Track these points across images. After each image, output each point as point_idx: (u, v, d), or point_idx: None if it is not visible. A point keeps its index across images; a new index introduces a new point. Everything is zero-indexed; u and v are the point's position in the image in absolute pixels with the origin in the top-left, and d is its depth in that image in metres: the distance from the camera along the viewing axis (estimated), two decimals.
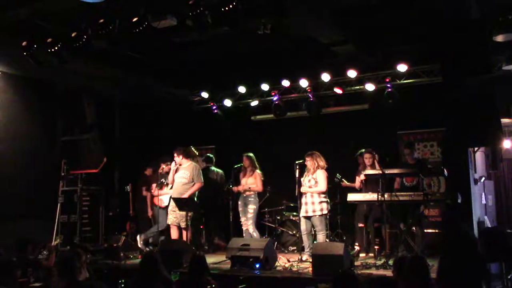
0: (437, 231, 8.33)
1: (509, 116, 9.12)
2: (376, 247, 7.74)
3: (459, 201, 7.17)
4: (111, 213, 9.89)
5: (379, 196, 7.08)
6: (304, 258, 7.38)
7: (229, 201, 8.67)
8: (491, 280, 4.95)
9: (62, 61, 7.26)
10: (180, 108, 10.83)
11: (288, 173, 7.74)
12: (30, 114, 9.08)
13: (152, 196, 9.16)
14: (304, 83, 9.49)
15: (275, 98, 9.90)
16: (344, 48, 8.24)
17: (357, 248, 8.06)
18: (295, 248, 8.59)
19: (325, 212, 7.56)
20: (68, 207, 9.30)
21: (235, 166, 8.62)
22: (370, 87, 9.12)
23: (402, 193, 7.29)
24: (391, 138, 9.36)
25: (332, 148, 8.85)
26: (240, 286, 6.18)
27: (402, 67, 8.70)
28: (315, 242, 7.44)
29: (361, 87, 9.28)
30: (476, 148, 9.26)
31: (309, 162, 7.68)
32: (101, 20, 6.60)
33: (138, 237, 8.96)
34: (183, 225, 7.91)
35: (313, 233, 7.72)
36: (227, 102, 10.33)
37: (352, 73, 9.04)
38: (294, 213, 8.70)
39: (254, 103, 10.19)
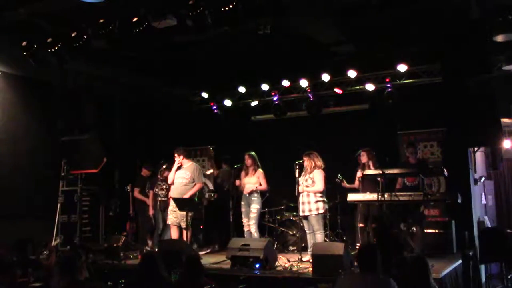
0: (437, 231, 8.33)
1: (509, 116, 9.12)
2: None
3: (459, 201, 7.17)
4: (111, 213, 9.88)
5: (379, 196, 7.08)
6: (306, 258, 7.36)
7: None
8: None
9: (62, 61, 7.26)
10: (180, 108, 10.83)
11: (288, 173, 7.73)
12: (30, 114, 9.07)
13: (156, 195, 9.13)
14: (304, 83, 9.50)
15: (275, 98, 9.90)
16: (344, 48, 8.24)
17: (358, 248, 8.05)
18: (295, 248, 8.59)
19: (321, 211, 7.55)
20: (68, 207, 9.29)
21: (236, 166, 8.61)
22: (370, 87, 9.12)
23: (402, 193, 7.30)
24: (391, 138, 9.36)
25: (332, 148, 8.85)
26: (240, 286, 6.18)
27: (402, 67, 8.71)
28: (312, 241, 7.45)
29: (361, 87, 9.29)
30: (476, 148, 9.26)
31: (306, 162, 7.68)
32: (101, 20, 6.61)
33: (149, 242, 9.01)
34: (183, 225, 7.89)
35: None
36: (227, 102, 10.32)
37: (352, 73, 9.05)
38: (294, 213, 8.69)
39: (254, 103, 10.19)
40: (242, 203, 8.34)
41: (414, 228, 7.54)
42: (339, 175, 8.43)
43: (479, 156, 9.72)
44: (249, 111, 10.46)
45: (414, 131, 9.32)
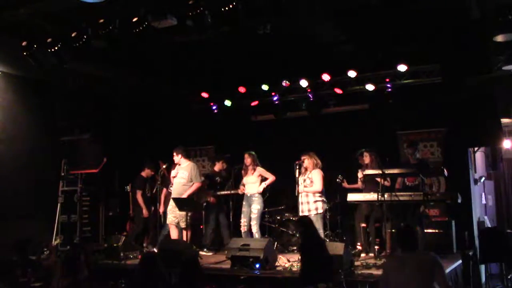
0: (437, 231, 8.33)
1: (509, 116, 9.13)
2: (376, 247, 7.73)
3: (459, 201, 7.17)
4: (111, 213, 9.89)
5: (379, 196, 7.08)
6: None
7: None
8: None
9: (62, 61, 7.26)
10: (180, 108, 10.83)
11: (288, 173, 7.74)
12: (30, 114, 9.07)
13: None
14: (304, 83, 9.50)
15: (275, 98, 9.89)
16: (344, 48, 8.24)
17: (359, 248, 8.05)
18: (295, 248, 8.58)
19: (320, 211, 7.55)
20: (68, 207, 9.31)
21: (235, 166, 8.60)
22: (370, 87, 9.12)
23: (402, 193, 7.29)
24: (391, 138, 9.36)
25: (332, 148, 8.86)
26: (240, 286, 6.18)
27: (402, 67, 8.71)
28: None
29: (361, 87, 9.28)
30: (476, 148, 9.27)
31: (307, 161, 7.69)
32: (101, 20, 6.61)
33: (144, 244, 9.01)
34: (183, 225, 7.89)
35: None
36: (227, 102, 10.32)
37: (352, 73, 9.04)
38: (295, 213, 8.68)
39: (254, 103, 10.18)
40: (244, 203, 8.34)
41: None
42: (339, 175, 8.43)
43: (479, 156, 9.73)
44: (249, 111, 10.46)
45: (414, 131, 9.31)
